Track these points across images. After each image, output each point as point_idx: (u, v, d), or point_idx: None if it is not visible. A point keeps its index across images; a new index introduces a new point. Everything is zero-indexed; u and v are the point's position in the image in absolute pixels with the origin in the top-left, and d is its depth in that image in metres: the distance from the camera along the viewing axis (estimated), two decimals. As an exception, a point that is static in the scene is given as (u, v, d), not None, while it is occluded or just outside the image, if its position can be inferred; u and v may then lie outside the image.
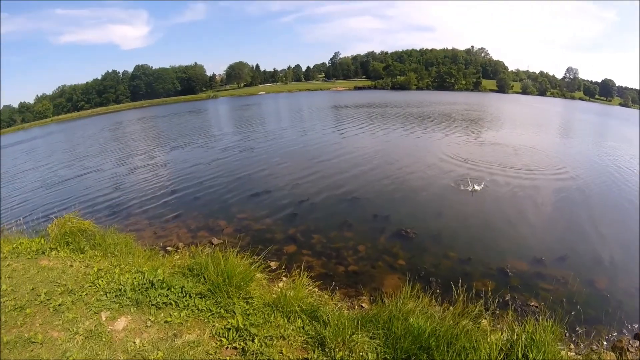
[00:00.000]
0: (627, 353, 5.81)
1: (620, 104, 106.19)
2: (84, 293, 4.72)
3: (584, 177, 16.20)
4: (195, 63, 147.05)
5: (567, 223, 11.38)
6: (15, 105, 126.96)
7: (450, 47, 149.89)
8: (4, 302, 4.54)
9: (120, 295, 4.62)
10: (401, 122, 35.51)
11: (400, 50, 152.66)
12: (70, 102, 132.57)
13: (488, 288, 6.58)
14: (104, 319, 4.20)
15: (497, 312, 5.92)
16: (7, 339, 3.83)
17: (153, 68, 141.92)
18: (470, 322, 4.49)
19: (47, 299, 4.59)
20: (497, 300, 6.49)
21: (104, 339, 3.83)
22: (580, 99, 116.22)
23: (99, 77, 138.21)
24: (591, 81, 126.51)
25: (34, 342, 3.78)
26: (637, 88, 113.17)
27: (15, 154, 40.87)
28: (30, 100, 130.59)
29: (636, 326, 6.70)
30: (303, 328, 4.24)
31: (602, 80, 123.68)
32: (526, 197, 13.21)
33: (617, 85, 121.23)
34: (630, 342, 6.18)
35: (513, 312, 5.47)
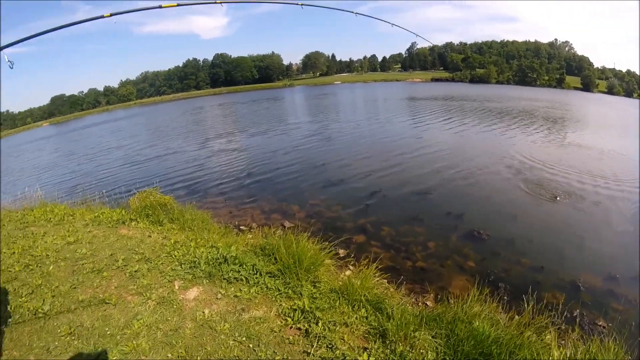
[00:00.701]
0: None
1: None
2: (160, 262, 5.05)
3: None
4: (273, 52, 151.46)
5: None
6: (101, 89, 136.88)
7: (532, 40, 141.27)
8: (82, 264, 4.94)
9: (194, 267, 4.88)
10: (480, 117, 33.97)
11: (480, 42, 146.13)
12: (153, 87, 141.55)
13: (557, 300, 6.27)
14: (176, 287, 4.46)
15: (564, 327, 5.56)
16: (82, 297, 4.18)
17: (232, 57, 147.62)
18: (535, 334, 4.29)
19: (124, 265, 4.96)
20: (565, 314, 6.13)
21: (174, 306, 4.08)
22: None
23: (180, 65, 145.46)
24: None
25: (108, 303, 4.09)
26: None
27: (101, 132, 44.30)
28: (115, 84, 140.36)
29: None
30: (366, 318, 4.24)
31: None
32: (608, 209, 12.17)
33: None
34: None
35: (579, 329, 5.20)
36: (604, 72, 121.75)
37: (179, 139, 29.15)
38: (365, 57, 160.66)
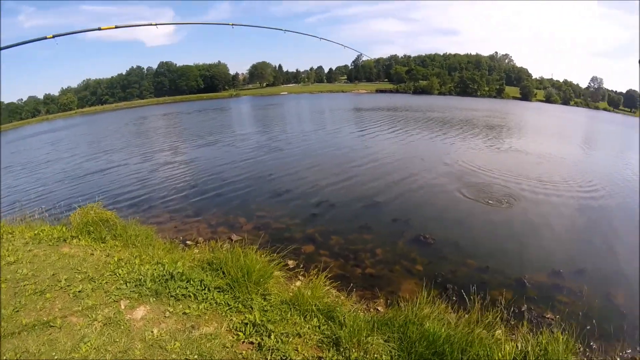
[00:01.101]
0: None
1: None
2: (104, 281, 4.84)
3: (608, 191, 15.74)
4: (219, 62, 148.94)
5: (587, 237, 11.07)
6: (40, 96, 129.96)
7: (474, 53, 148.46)
8: (24, 285, 4.66)
9: (139, 285, 4.71)
10: (423, 127, 35.22)
11: (424, 55, 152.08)
12: (95, 95, 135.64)
13: (504, 297, 6.50)
14: (123, 307, 4.28)
15: (513, 322, 5.85)
16: (26, 321, 3.95)
17: (177, 65, 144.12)
18: (485, 331, 4.47)
19: (68, 285, 4.72)
20: (513, 310, 6.44)
21: (122, 327, 3.92)
22: (605, 109, 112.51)
23: (124, 73, 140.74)
24: (615, 91, 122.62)
25: (53, 326, 3.88)
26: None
27: (41, 143, 41.87)
28: (55, 92, 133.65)
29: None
30: (319, 327, 4.25)
31: (627, 91, 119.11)
32: (547, 209, 12.94)
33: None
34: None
35: (528, 323, 5.43)
36: (542, 82, 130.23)
37: (121, 151, 27.89)
38: (312, 68, 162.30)
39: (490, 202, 13.11)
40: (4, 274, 4.97)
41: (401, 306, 4.91)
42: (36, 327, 3.85)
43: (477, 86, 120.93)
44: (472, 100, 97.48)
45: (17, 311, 4.14)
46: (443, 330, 4.18)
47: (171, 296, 4.52)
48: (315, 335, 4.10)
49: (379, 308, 6.55)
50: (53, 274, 5.00)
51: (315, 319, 4.36)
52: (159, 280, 4.79)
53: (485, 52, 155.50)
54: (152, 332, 3.85)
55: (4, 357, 3.45)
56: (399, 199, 13.57)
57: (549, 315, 6.95)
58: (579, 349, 5.48)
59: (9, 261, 5.39)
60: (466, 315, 4.86)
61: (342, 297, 6.06)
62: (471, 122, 40.76)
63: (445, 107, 64.99)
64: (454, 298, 6.60)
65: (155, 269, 5.06)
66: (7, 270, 5.12)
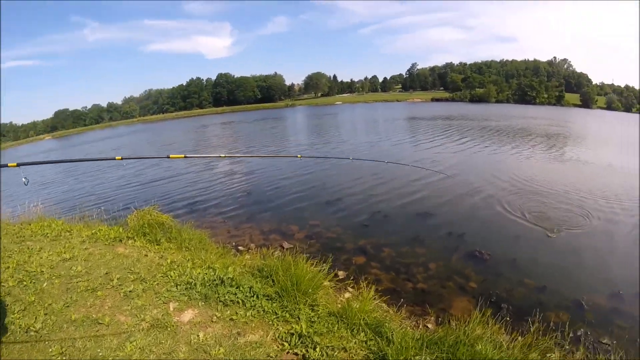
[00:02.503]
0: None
1: None
2: (155, 282, 4.95)
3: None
4: (275, 73, 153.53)
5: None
6: (104, 105, 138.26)
7: (531, 59, 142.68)
8: (77, 282, 4.85)
9: (190, 288, 4.78)
10: (479, 137, 34.09)
11: (480, 62, 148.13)
12: (156, 104, 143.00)
13: (561, 320, 6.18)
14: (171, 309, 4.35)
15: (568, 346, 5.45)
16: (75, 317, 4.07)
17: (235, 76, 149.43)
18: (539, 356, 4.21)
19: (119, 284, 4.85)
20: (569, 334, 6.03)
21: (168, 329, 3.96)
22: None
23: (184, 84, 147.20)
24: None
25: (101, 324, 3.98)
26: None
27: (104, 148, 44.35)
28: (119, 101, 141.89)
29: None
30: (366, 342, 4.12)
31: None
32: (609, 228, 12.11)
33: None
34: None
35: (584, 349, 5.09)
36: (602, 88, 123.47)
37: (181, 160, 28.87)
38: (366, 78, 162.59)
39: (550, 218, 12.42)
40: (58, 270, 5.21)
41: (452, 325, 4.69)
42: (84, 323, 3.98)
43: (535, 93, 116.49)
44: (530, 108, 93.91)
45: (68, 306, 4.30)
46: (495, 353, 3.94)
47: (220, 301, 4.55)
48: (361, 350, 3.98)
49: (429, 325, 6.32)
50: (106, 273, 5.18)
51: (362, 334, 4.24)
52: (209, 285, 4.85)
53: (544, 57, 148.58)
54: (197, 335, 3.88)
55: (50, 350, 3.58)
56: (454, 212, 13.14)
57: (605, 341, 6.46)
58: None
59: (64, 258, 5.64)
60: (520, 338, 4.59)
61: (391, 312, 5.88)
62: (529, 131, 39.11)
63: (503, 115, 62.95)
64: (508, 319, 6.22)
65: (206, 273, 5.12)
66: (62, 266, 5.36)
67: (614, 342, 6.35)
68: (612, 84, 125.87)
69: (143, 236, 7.13)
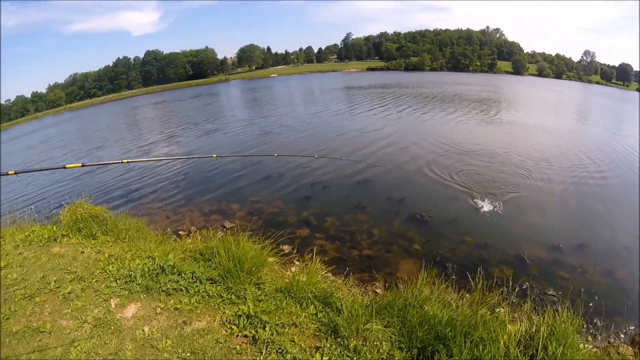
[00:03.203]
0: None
1: (638, 89, 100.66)
2: (94, 280, 4.66)
3: (603, 165, 15.66)
4: (206, 47, 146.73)
5: (585, 211, 11.02)
6: (28, 95, 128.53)
7: (464, 28, 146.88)
8: (14, 291, 4.49)
9: (130, 281, 4.54)
10: (415, 103, 34.99)
11: (414, 31, 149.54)
12: (83, 89, 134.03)
13: (506, 275, 6.45)
14: (113, 306, 4.13)
15: (515, 300, 5.73)
16: (16, 329, 3.78)
17: (164, 53, 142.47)
18: (488, 312, 4.32)
19: (57, 287, 4.53)
20: (515, 288, 6.36)
21: (112, 327, 3.76)
22: (597, 82, 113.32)
23: (110, 65, 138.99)
24: (608, 65, 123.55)
25: (42, 332, 3.72)
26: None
27: (30, 142, 41.30)
28: (43, 89, 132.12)
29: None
30: (316, 315, 4.11)
31: (620, 65, 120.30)
32: (542, 183, 12.87)
33: (635, 70, 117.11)
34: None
35: (531, 302, 5.33)
36: (534, 57, 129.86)
37: (111, 145, 27.47)
38: (301, 49, 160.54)
39: (485, 178, 12.99)
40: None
41: (400, 288, 4.80)
42: (26, 334, 3.70)
43: (468, 61, 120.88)
44: (463, 75, 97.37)
45: (7, 319, 3.98)
46: (444, 312, 4.03)
47: (162, 291, 4.36)
48: (312, 324, 3.97)
49: (378, 291, 6.45)
50: (43, 276, 4.83)
51: (311, 307, 4.23)
52: (150, 275, 4.63)
53: (477, 27, 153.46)
54: (143, 330, 3.70)
55: None
56: (393, 178, 13.46)
57: (551, 292, 6.89)
58: (584, 326, 5.42)
59: (-1, 266, 5.21)
60: (467, 295, 4.77)
61: (339, 281, 5.95)
62: (463, 97, 40.59)
63: (437, 82, 64.86)
64: (454, 277, 6.51)
65: (145, 264, 4.89)
66: (-2, 277, 4.95)
67: (559, 293, 6.76)
68: (544, 53, 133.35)
69: (78, 232, 6.70)
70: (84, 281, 4.64)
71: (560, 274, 7.61)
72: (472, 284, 4.81)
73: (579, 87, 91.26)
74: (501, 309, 4.61)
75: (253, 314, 3.88)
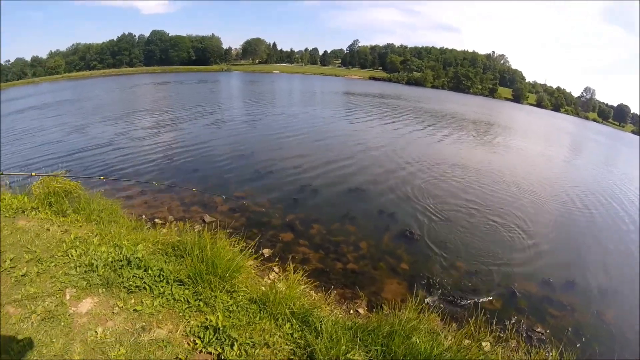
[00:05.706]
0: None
1: (633, 131, 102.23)
2: (53, 264, 4.19)
3: (593, 201, 15.52)
4: (213, 34, 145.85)
5: (576, 247, 10.80)
6: (28, 58, 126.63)
7: (470, 50, 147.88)
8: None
9: (91, 271, 4.07)
10: (413, 117, 34.88)
11: (420, 47, 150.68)
12: (84, 60, 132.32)
13: (495, 307, 6.16)
14: (67, 297, 3.66)
15: (502, 335, 5.40)
16: (-43, 311, 3.31)
17: (169, 35, 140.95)
18: (476, 347, 4.00)
19: (12, 267, 4.06)
20: (503, 321, 6.10)
21: (62, 323, 3.31)
22: (594, 120, 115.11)
23: (115, 39, 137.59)
24: (607, 104, 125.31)
25: (-16, 317, 3.24)
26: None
27: (24, 107, 40.26)
28: (44, 55, 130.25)
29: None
30: (292, 335, 3.68)
31: (618, 105, 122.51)
32: (533, 212, 12.63)
33: (632, 112, 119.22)
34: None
35: (517, 336, 5.22)
36: (534, 86, 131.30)
37: (103, 123, 26.62)
38: (306, 49, 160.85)
39: (482, 201, 12.72)
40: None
41: (386, 312, 4.42)
42: (-34, 319, 3.23)
43: (470, 83, 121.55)
44: (464, 96, 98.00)
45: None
46: (434, 347, 3.67)
47: (124, 287, 3.89)
48: (286, 345, 3.54)
49: (360, 310, 6.06)
50: (0, 253, 4.36)
51: (288, 324, 3.80)
52: (113, 266, 4.16)
53: (483, 51, 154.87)
54: (95, 332, 3.25)
55: None
56: (386, 190, 13.11)
57: (539, 329, 6.59)
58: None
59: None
60: (454, 325, 4.44)
61: (320, 296, 5.51)
62: (466, 119, 40.66)
63: (436, 99, 65.31)
64: (442, 305, 6.15)
65: (111, 252, 4.43)
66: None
67: (547, 331, 6.49)
68: (545, 84, 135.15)
69: (49, 207, 6.28)
70: (42, 264, 4.18)
71: (550, 311, 7.36)
72: (459, 313, 4.50)
73: (576, 121, 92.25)
74: (488, 343, 4.30)
75: (221, 327, 3.41)
